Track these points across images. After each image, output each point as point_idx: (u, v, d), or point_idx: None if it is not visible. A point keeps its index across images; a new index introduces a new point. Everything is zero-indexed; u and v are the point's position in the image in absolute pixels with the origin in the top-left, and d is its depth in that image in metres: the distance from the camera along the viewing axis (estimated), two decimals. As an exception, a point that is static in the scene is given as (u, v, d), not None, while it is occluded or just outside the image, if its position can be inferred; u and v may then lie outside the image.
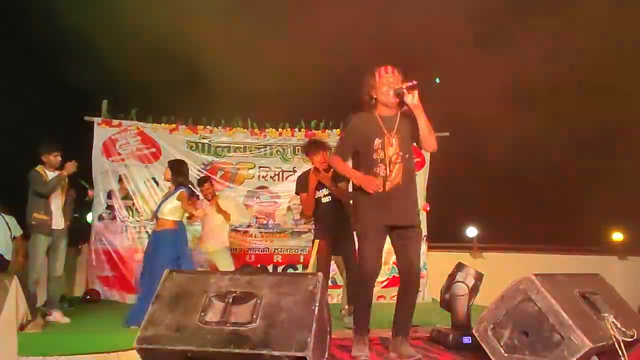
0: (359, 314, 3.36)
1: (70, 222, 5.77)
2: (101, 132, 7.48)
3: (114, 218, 7.45)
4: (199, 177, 6.88)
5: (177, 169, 5.39)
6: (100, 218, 7.42)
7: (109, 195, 7.45)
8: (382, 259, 3.39)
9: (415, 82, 3.18)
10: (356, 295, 3.48)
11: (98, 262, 7.28)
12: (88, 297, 7.02)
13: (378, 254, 3.31)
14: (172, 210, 5.22)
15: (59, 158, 5.45)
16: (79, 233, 6.80)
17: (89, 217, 7.54)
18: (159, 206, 5.25)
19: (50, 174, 5.40)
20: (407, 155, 3.28)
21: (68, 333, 4.73)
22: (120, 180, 7.47)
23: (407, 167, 3.28)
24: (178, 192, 5.21)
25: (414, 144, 3.38)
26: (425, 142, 3.29)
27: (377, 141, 3.25)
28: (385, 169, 3.23)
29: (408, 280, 3.34)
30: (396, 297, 3.41)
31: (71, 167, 5.41)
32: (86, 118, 7.51)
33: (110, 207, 7.46)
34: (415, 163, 3.39)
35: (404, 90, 3.18)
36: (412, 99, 3.17)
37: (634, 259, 8.63)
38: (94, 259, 7.28)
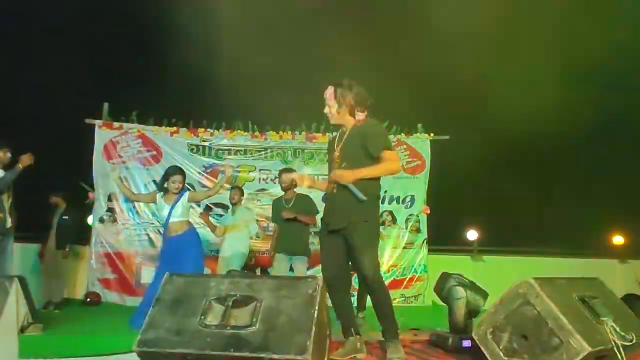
0: (338, 318, 3.44)
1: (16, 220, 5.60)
2: (102, 135, 7.51)
3: (115, 220, 7.47)
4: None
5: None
6: (101, 220, 7.44)
7: (110, 197, 7.47)
8: (342, 263, 3.43)
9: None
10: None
11: (98, 264, 7.31)
12: (88, 299, 7.03)
13: (333, 257, 3.39)
14: (184, 212, 5.34)
15: (9, 154, 5.33)
16: (64, 235, 6.78)
17: (90, 220, 7.56)
18: (170, 214, 5.27)
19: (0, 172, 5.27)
20: (344, 165, 3.35)
21: (68, 336, 4.74)
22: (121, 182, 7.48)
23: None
24: (185, 195, 5.33)
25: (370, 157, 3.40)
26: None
27: (334, 151, 3.49)
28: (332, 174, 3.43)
29: (369, 288, 3.37)
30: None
31: (27, 159, 5.26)
32: (87, 121, 7.54)
33: (111, 210, 7.48)
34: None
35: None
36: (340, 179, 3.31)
37: (634, 263, 8.64)
38: (95, 261, 7.31)
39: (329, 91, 3.45)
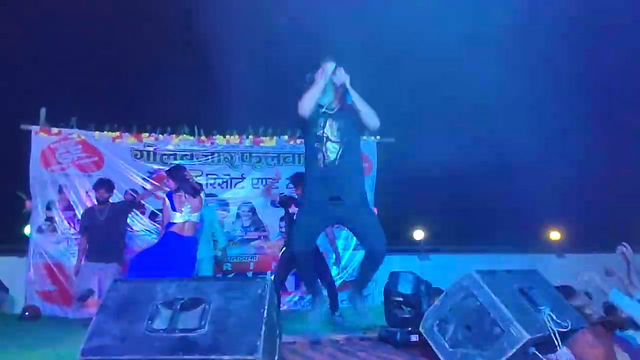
0: (306, 282, 3.96)
1: None
2: (39, 141, 7.19)
3: (54, 230, 7.16)
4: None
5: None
6: (40, 230, 7.12)
7: (49, 206, 7.16)
8: (315, 237, 3.86)
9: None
10: (298, 268, 4.00)
11: (37, 276, 6.98)
12: (27, 313, 6.71)
13: (309, 234, 3.75)
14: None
15: None
16: None
17: (27, 230, 7.22)
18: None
19: None
20: (345, 139, 3.67)
21: (6, 351, 4.51)
22: (60, 190, 7.20)
23: (347, 149, 3.66)
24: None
25: (360, 134, 3.93)
26: (364, 118, 3.70)
27: (321, 119, 3.69)
28: (323, 146, 3.65)
29: (372, 257, 3.72)
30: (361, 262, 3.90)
31: None
32: (23, 126, 7.21)
33: (50, 219, 7.17)
34: (360, 154, 3.89)
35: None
36: (340, 76, 3.64)
37: (570, 256, 9.11)
38: (33, 273, 6.98)
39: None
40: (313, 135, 3.70)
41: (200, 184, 5.57)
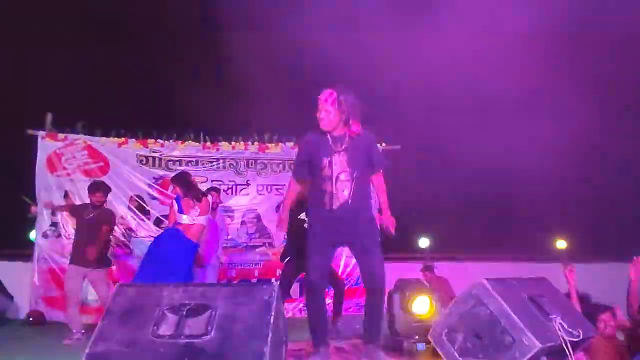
0: (313, 326, 3.38)
1: None
2: (45, 146, 7.22)
3: (59, 235, 7.16)
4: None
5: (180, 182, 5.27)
6: (45, 235, 7.12)
7: (54, 211, 7.16)
8: (327, 274, 3.54)
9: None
10: (307, 307, 3.49)
11: (42, 281, 6.98)
12: (31, 319, 6.70)
13: (323, 267, 3.42)
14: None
15: None
16: None
17: (32, 235, 7.22)
18: None
19: None
20: (356, 174, 3.36)
21: (11, 357, 4.50)
22: (66, 195, 7.20)
23: (358, 185, 3.36)
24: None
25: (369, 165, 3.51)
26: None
27: (325, 159, 3.36)
28: (332, 186, 3.32)
29: (370, 289, 3.44)
30: (364, 306, 3.51)
31: None
32: (29, 131, 7.23)
33: (55, 224, 7.18)
34: (369, 181, 3.55)
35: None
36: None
37: (576, 266, 9.01)
38: (38, 278, 6.97)
39: (330, 96, 3.33)
40: (318, 175, 3.37)
41: (218, 189, 5.56)
